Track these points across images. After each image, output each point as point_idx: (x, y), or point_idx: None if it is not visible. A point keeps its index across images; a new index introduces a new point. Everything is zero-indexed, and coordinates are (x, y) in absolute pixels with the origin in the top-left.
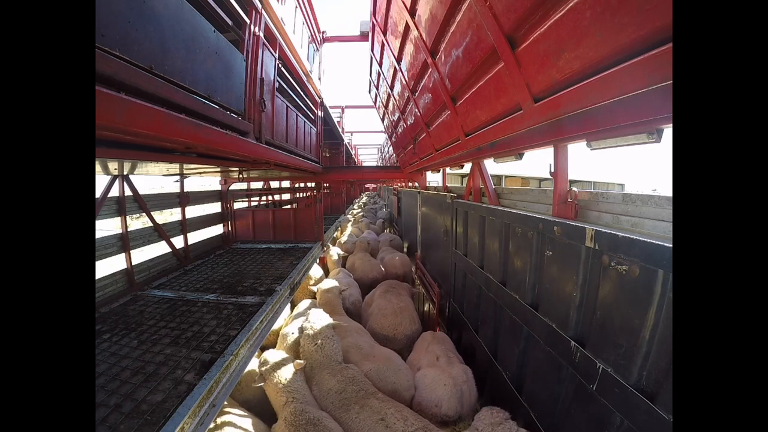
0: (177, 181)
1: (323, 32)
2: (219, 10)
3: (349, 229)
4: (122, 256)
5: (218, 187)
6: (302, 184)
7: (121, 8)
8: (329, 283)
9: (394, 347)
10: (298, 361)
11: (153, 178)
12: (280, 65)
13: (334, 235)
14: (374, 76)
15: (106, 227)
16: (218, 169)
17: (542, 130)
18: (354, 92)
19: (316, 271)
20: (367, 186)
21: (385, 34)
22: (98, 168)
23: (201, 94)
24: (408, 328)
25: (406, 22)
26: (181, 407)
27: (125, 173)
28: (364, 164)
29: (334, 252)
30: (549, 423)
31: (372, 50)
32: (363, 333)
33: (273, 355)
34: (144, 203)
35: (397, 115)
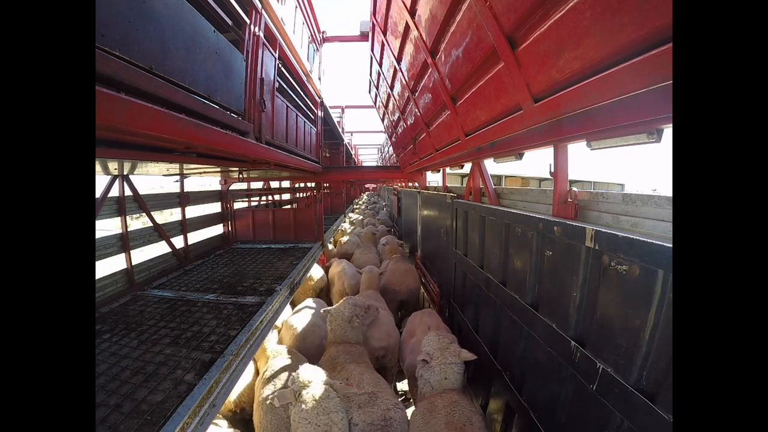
0: (177, 181)
1: (323, 32)
2: (219, 10)
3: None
4: (122, 256)
5: (218, 187)
6: (302, 184)
7: (121, 8)
8: (371, 268)
9: (399, 297)
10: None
11: (153, 178)
12: (280, 65)
13: (341, 228)
14: (374, 76)
15: (106, 227)
16: (218, 169)
17: (542, 130)
18: (354, 92)
19: (316, 270)
20: (367, 186)
21: (385, 34)
22: (98, 168)
23: (201, 94)
24: (411, 284)
25: (406, 22)
26: (181, 407)
27: (125, 173)
28: (364, 164)
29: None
30: (549, 423)
31: (372, 50)
32: (379, 301)
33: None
34: (144, 203)
35: (397, 115)
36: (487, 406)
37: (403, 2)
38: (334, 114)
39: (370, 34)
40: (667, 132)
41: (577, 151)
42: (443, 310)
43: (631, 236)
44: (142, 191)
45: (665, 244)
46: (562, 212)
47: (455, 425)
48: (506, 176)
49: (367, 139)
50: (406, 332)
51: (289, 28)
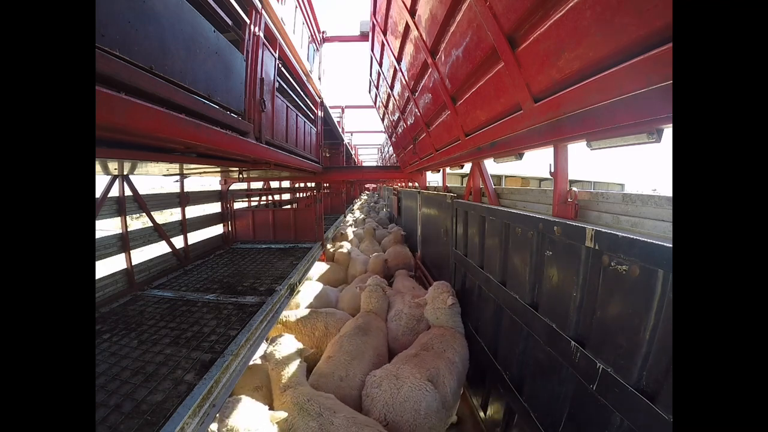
0: (177, 181)
1: (323, 32)
2: (219, 10)
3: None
4: (122, 256)
5: (218, 187)
6: (302, 184)
7: (121, 8)
8: (377, 255)
9: (393, 271)
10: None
11: (153, 178)
12: (280, 65)
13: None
14: (374, 76)
15: (106, 227)
16: (218, 169)
17: (542, 130)
18: (354, 92)
19: (318, 268)
20: (367, 186)
21: (385, 34)
22: (98, 168)
23: (201, 94)
24: (402, 261)
25: (406, 22)
26: (181, 407)
27: (125, 173)
28: (364, 164)
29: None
30: (549, 423)
31: (372, 50)
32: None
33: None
34: (144, 203)
35: (397, 115)
36: (487, 406)
37: (403, 2)
38: (334, 114)
39: (370, 34)
40: (667, 132)
41: (577, 151)
42: None
43: (631, 236)
44: (142, 191)
45: (665, 244)
46: (562, 212)
47: (425, 345)
48: (506, 176)
49: (367, 139)
50: (395, 288)
51: (289, 28)
